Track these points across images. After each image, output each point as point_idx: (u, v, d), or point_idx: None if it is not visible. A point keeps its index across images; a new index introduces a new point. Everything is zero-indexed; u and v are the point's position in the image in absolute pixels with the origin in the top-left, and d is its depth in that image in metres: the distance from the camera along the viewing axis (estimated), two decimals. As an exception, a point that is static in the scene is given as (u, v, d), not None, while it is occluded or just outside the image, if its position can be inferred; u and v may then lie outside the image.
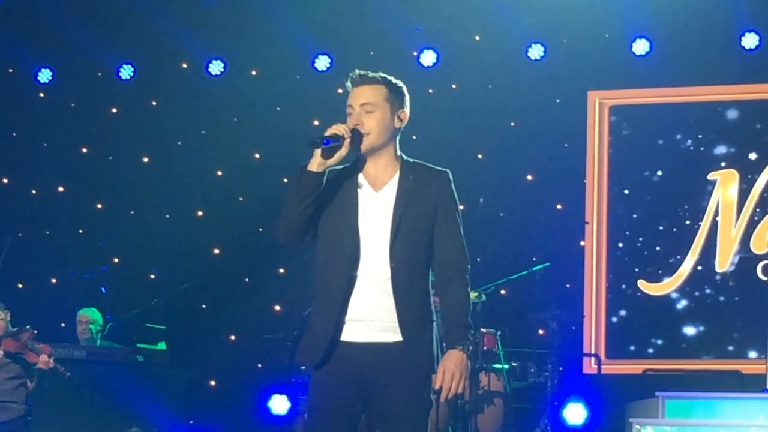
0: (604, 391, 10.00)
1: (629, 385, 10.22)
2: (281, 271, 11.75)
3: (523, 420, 9.71)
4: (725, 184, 10.98)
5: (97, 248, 12.16)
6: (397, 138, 4.74)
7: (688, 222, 11.06)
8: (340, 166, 4.67)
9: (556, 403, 9.60)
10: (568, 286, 11.06)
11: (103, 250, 12.17)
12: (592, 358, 10.68)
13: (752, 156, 11.01)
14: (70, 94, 12.36)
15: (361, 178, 4.69)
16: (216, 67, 12.01)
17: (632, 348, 11.05)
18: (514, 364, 9.52)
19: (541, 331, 10.45)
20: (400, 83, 4.74)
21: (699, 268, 10.96)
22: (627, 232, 11.22)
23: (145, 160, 12.28)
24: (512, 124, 11.44)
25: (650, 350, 11.02)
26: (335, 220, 4.64)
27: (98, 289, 11.91)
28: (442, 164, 4.78)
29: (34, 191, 12.41)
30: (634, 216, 11.23)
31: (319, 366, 4.60)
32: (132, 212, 12.20)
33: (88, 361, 9.67)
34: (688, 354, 10.91)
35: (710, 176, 11.04)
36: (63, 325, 11.09)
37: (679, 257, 11.01)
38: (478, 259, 9.12)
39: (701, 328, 10.95)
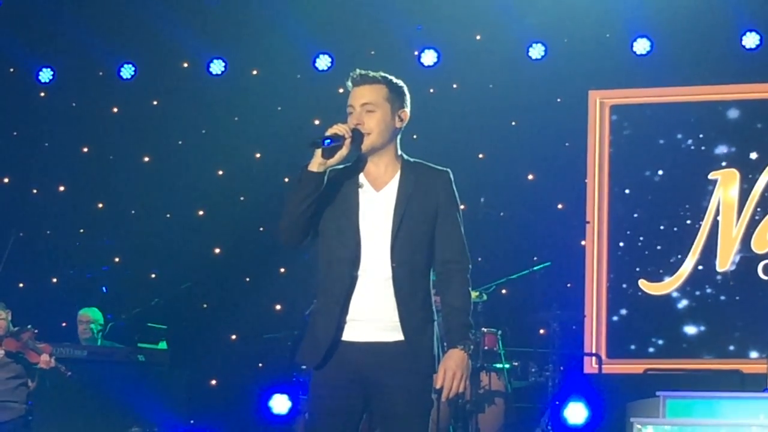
0: (605, 391, 10.00)
1: (630, 384, 10.22)
2: (282, 270, 11.75)
3: (524, 419, 9.71)
4: (726, 184, 10.98)
5: (98, 248, 12.16)
6: (398, 138, 4.75)
7: (688, 221, 11.06)
8: (341, 166, 4.67)
9: (557, 403, 9.59)
10: (568, 285, 11.06)
11: (104, 249, 12.17)
12: (593, 358, 10.68)
13: (753, 155, 11.01)
14: (71, 94, 12.36)
15: (361, 177, 4.70)
16: (217, 67, 12.01)
17: (633, 347, 11.05)
18: (515, 364, 9.51)
19: (542, 331, 10.46)
20: (400, 83, 4.75)
21: (700, 267, 10.96)
22: (628, 232, 11.22)
23: (146, 159, 12.28)
24: (513, 123, 11.44)
25: (651, 350, 11.01)
26: (336, 219, 4.65)
27: (99, 289, 11.91)
28: (443, 164, 4.78)
29: (35, 191, 12.42)
30: (635, 215, 11.23)
31: (320, 366, 4.60)
32: (133, 212, 12.19)
33: (89, 360, 9.66)
34: (689, 354, 10.91)
35: (711, 176, 11.04)
36: (64, 324, 11.09)
37: (680, 257, 11.01)
38: (479, 259, 9.13)
39: (702, 328, 10.94)
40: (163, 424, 9.64)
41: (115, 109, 12.36)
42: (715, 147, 11.10)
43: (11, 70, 12.36)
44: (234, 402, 11.14)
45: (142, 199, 12.09)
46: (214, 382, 11.79)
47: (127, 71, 12.18)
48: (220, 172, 12.07)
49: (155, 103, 12.27)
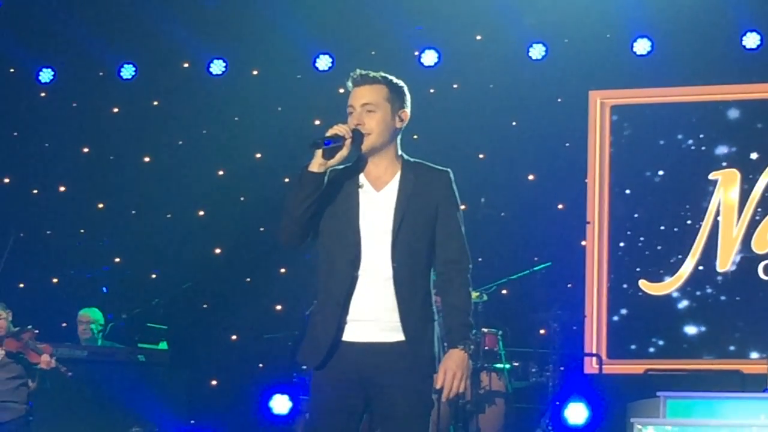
0: (605, 391, 10.00)
1: (630, 384, 10.22)
2: (282, 270, 11.75)
3: (525, 420, 9.71)
4: (726, 184, 10.98)
5: (98, 248, 12.17)
6: (398, 138, 4.74)
7: (689, 222, 11.06)
8: (341, 166, 4.67)
9: (557, 403, 9.60)
10: (569, 285, 11.06)
11: (105, 249, 12.18)
12: (594, 358, 10.69)
13: (753, 156, 11.01)
14: (72, 94, 12.36)
15: (362, 178, 4.69)
16: (217, 67, 12.01)
17: (633, 348, 11.05)
18: (516, 364, 9.52)
19: (542, 331, 10.46)
20: (401, 83, 4.75)
21: (700, 267, 10.96)
22: (628, 232, 11.22)
23: (147, 159, 12.28)
24: (513, 123, 11.44)
25: (651, 350, 11.01)
26: (336, 220, 4.64)
27: (99, 289, 11.91)
28: (444, 164, 4.78)
29: (35, 191, 12.42)
30: (636, 216, 11.23)
31: (321, 366, 4.60)
32: (133, 212, 12.19)
33: (90, 360, 9.66)
34: (689, 354, 10.91)
35: (711, 176, 11.04)
36: (64, 324, 11.09)
37: (680, 257, 11.01)
38: (480, 259, 9.12)
39: (702, 328, 10.94)
40: (164, 425, 9.65)
41: (116, 110, 12.36)
42: (715, 147, 11.10)
43: (11, 70, 12.36)
44: (234, 402, 11.14)
45: (143, 199, 12.09)
46: (214, 382, 11.79)
47: (127, 71, 12.18)
48: (221, 173, 12.07)
49: (155, 103, 12.27)
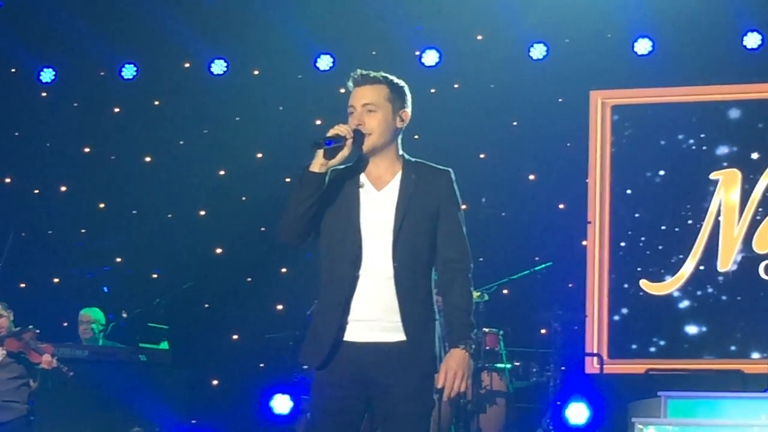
0: (606, 391, 10.00)
1: (631, 384, 10.23)
2: (284, 270, 11.75)
3: (526, 420, 9.71)
4: (727, 184, 10.98)
5: (99, 248, 12.17)
6: (399, 138, 4.74)
7: (690, 222, 11.05)
8: (342, 166, 4.67)
9: (558, 403, 9.60)
10: (570, 285, 11.06)
11: (106, 249, 12.18)
12: (595, 358, 10.68)
13: (754, 156, 11.00)
14: (73, 94, 12.36)
15: (363, 177, 4.69)
16: (218, 67, 12.01)
17: (634, 347, 11.05)
18: (517, 364, 9.52)
19: (543, 331, 10.46)
20: (401, 83, 4.75)
21: (701, 267, 10.95)
22: (629, 232, 11.22)
23: (148, 159, 12.28)
24: (514, 123, 11.44)
25: (652, 350, 11.01)
26: (337, 220, 4.65)
27: (100, 289, 11.91)
28: (445, 164, 4.78)
29: (36, 191, 12.42)
30: (637, 215, 11.23)
31: (322, 366, 4.60)
32: (134, 212, 12.20)
33: (91, 360, 9.67)
34: (690, 354, 10.91)
35: (712, 176, 11.04)
36: (65, 324, 11.09)
37: (681, 257, 11.01)
38: (481, 259, 9.13)
39: (703, 328, 10.94)
40: (165, 424, 9.65)
41: (117, 109, 12.36)
42: (716, 147, 11.10)
43: (13, 70, 12.36)
44: (235, 402, 11.15)
45: (144, 199, 12.09)
46: (215, 382, 11.80)
47: (128, 71, 12.18)
48: (222, 172, 12.08)
49: (157, 103, 12.27)
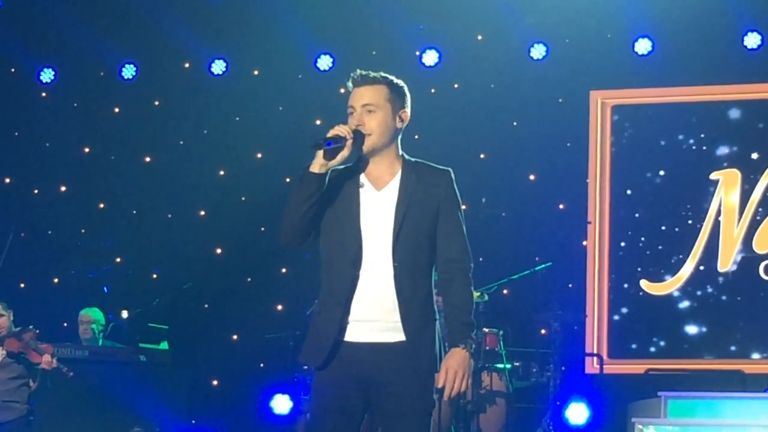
0: (606, 391, 10.01)
1: (631, 384, 10.22)
2: (283, 270, 11.76)
3: (526, 420, 9.72)
4: (727, 184, 10.98)
5: (99, 248, 12.17)
6: (399, 138, 4.74)
7: (690, 222, 11.05)
8: (342, 166, 4.67)
9: (558, 403, 9.60)
10: (570, 285, 11.05)
11: (105, 249, 12.18)
12: (595, 358, 10.68)
13: (754, 156, 11.00)
14: (73, 94, 12.36)
15: (362, 177, 4.69)
16: (218, 67, 12.01)
17: (634, 348, 11.04)
18: (517, 364, 9.52)
19: (543, 331, 10.46)
20: (401, 83, 4.74)
21: (701, 267, 10.95)
22: (629, 232, 11.22)
23: (147, 159, 12.28)
24: (514, 123, 11.44)
25: (652, 350, 11.01)
26: (337, 220, 4.64)
27: (100, 289, 11.91)
28: (445, 164, 4.78)
29: (36, 191, 12.42)
30: (637, 216, 11.23)
31: (323, 366, 4.60)
32: (134, 212, 12.20)
33: (91, 360, 9.67)
34: (690, 354, 10.91)
35: (712, 176, 11.04)
36: (65, 324, 11.09)
37: (681, 257, 11.01)
38: (481, 259, 9.13)
39: (703, 328, 10.94)
40: (165, 424, 9.65)
41: (117, 110, 12.36)
42: (716, 147, 11.10)
43: (12, 70, 12.36)
44: (235, 402, 11.15)
45: (144, 199, 12.10)
46: (215, 382, 11.80)
47: (128, 71, 12.18)
48: (222, 172, 12.08)
49: (156, 103, 12.27)
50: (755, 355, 10.73)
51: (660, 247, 11.11)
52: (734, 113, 11.10)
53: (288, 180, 10.84)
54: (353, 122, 4.64)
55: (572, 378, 10.26)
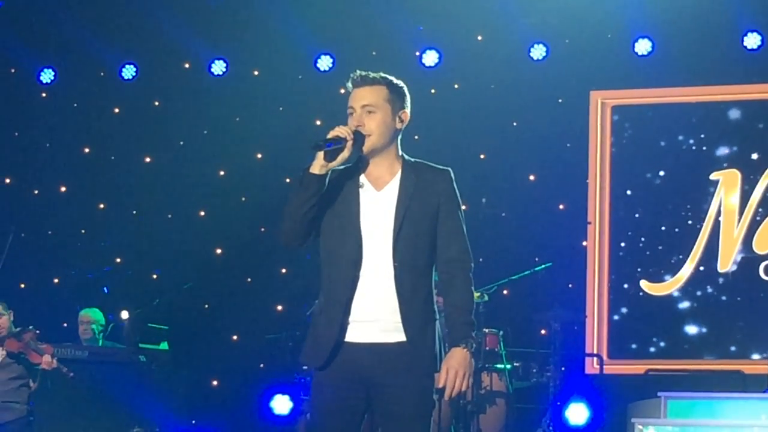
0: (606, 391, 10.01)
1: (631, 385, 10.23)
2: (283, 271, 11.76)
3: (526, 420, 9.71)
4: (727, 185, 10.98)
5: (99, 248, 12.16)
6: (399, 138, 4.75)
7: (690, 222, 11.05)
8: (342, 167, 4.67)
9: (558, 403, 9.60)
10: (570, 286, 11.05)
11: (105, 250, 12.17)
12: (594, 358, 10.69)
13: (754, 156, 11.00)
14: (72, 94, 12.36)
15: (362, 178, 4.70)
16: (218, 67, 12.00)
17: (634, 348, 11.04)
18: (517, 364, 9.52)
19: (543, 331, 10.46)
20: (401, 83, 4.74)
21: (701, 268, 10.95)
22: (629, 232, 11.22)
23: (147, 160, 12.28)
24: (514, 124, 11.44)
25: (652, 350, 11.01)
26: (337, 220, 4.65)
27: (100, 289, 11.91)
28: (445, 164, 4.78)
29: (36, 191, 12.41)
30: (636, 216, 11.23)
31: (323, 367, 4.60)
32: (134, 212, 12.20)
33: (91, 361, 9.66)
34: (690, 354, 10.91)
35: (712, 176, 11.04)
36: (65, 325, 11.09)
37: (681, 257, 11.01)
38: (481, 259, 9.09)
39: (703, 329, 10.94)
40: (165, 425, 9.65)
41: (117, 110, 12.36)
42: (716, 148, 11.10)
43: (12, 70, 12.36)
44: (235, 402, 11.14)
45: (144, 199, 12.09)
46: (215, 382, 11.79)
47: (128, 71, 12.17)
48: (222, 173, 12.07)
49: (156, 103, 12.27)
50: (755, 356, 10.72)
51: (660, 248, 11.11)
52: (734, 114, 11.10)
53: (288, 180, 10.85)
54: (353, 123, 4.64)
55: (572, 378, 10.26)
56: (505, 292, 10.42)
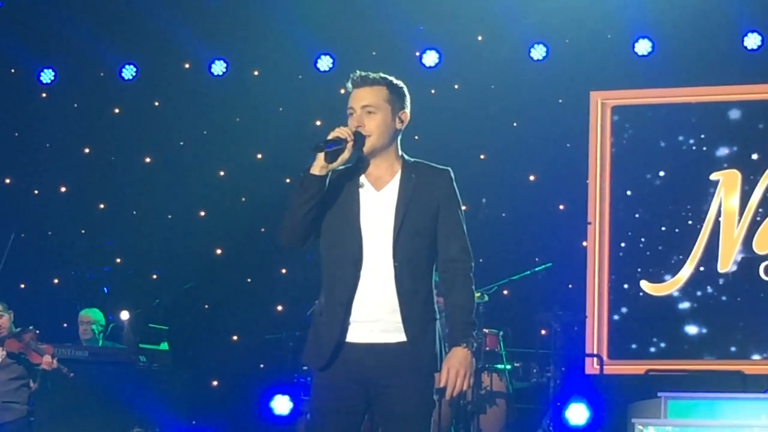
0: (606, 392, 10.01)
1: (631, 385, 10.23)
2: (283, 271, 11.76)
3: (526, 420, 9.71)
4: (728, 185, 10.98)
5: (99, 248, 12.17)
6: (399, 138, 4.74)
7: (690, 222, 11.05)
8: (342, 167, 4.67)
9: (558, 404, 9.60)
10: (570, 286, 11.06)
11: (106, 250, 12.18)
12: (595, 359, 10.68)
13: (754, 156, 11.00)
14: (73, 95, 12.37)
15: (362, 178, 4.70)
16: (218, 68, 12.01)
17: (634, 348, 11.04)
18: (517, 365, 9.52)
19: (543, 332, 10.45)
20: (400, 84, 4.74)
21: (701, 268, 10.95)
22: (629, 233, 11.22)
23: (148, 160, 12.28)
24: (514, 124, 11.44)
25: (652, 350, 11.01)
26: (337, 220, 4.64)
27: (100, 289, 11.91)
28: (445, 164, 4.78)
29: (36, 191, 12.42)
30: (636, 216, 11.23)
31: (325, 368, 4.60)
32: (134, 212, 12.20)
33: (91, 361, 9.67)
34: (690, 354, 10.90)
35: (713, 177, 11.04)
36: (65, 325, 11.09)
37: (681, 257, 11.01)
38: (481, 260, 9.06)
39: (703, 329, 10.94)
40: (165, 425, 9.65)
41: (117, 110, 12.36)
42: (716, 148, 11.10)
43: (12, 70, 12.36)
44: (235, 403, 11.14)
45: (144, 199, 12.10)
46: (215, 382, 11.79)
47: (128, 72, 12.18)
48: (222, 173, 12.08)
49: (156, 103, 12.27)
50: (755, 356, 10.72)
51: (660, 248, 11.11)
52: (734, 114, 11.10)
53: (288, 180, 10.86)
54: (353, 123, 4.64)
55: (572, 378, 10.25)
56: (505, 292, 10.42)
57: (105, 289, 11.93)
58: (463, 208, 4.75)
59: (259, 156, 11.96)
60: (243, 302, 11.70)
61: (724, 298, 10.92)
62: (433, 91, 11.40)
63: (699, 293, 10.96)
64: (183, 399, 10.29)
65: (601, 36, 11.18)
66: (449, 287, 4.66)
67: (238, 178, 11.88)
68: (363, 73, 4.70)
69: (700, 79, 11.10)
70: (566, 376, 10.03)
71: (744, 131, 11.06)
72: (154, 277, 12.09)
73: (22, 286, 11.85)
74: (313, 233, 4.67)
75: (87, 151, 12.39)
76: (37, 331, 8.97)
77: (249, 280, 11.95)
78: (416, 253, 4.61)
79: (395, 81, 4.73)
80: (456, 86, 11.61)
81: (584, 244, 11.22)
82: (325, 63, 11.76)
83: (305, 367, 9.13)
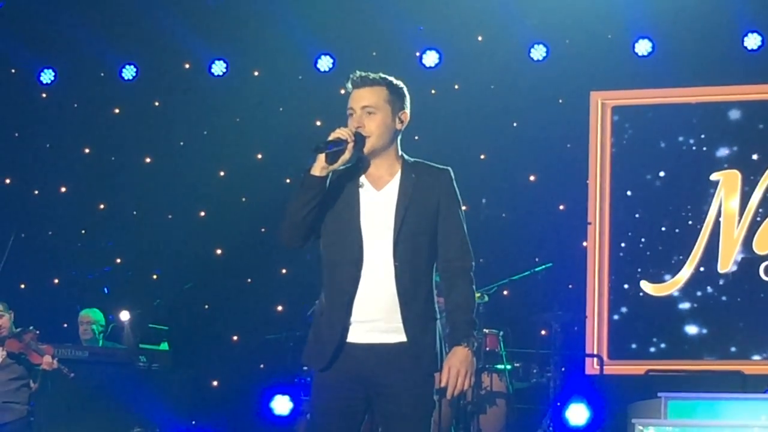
0: (606, 392, 10.01)
1: (631, 385, 10.23)
2: (284, 271, 11.76)
3: (526, 421, 9.71)
4: (728, 185, 10.98)
5: (99, 248, 12.17)
6: (399, 138, 4.74)
7: (690, 222, 11.05)
8: (342, 167, 4.67)
9: (558, 404, 9.60)
10: (570, 286, 11.06)
11: (106, 250, 12.18)
12: (595, 359, 10.69)
13: (755, 156, 11.01)
14: (73, 95, 12.37)
15: (362, 178, 4.69)
16: (218, 68, 12.01)
17: (634, 348, 11.05)
18: (517, 365, 9.52)
19: (543, 332, 10.45)
20: (400, 84, 4.74)
21: (701, 268, 10.95)
22: (629, 233, 11.22)
23: (148, 160, 12.29)
24: (515, 124, 11.44)
25: (652, 351, 11.01)
26: (338, 220, 4.64)
27: (100, 290, 11.91)
28: (445, 164, 4.78)
29: (36, 191, 12.42)
30: (637, 216, 11.23)
31: (326, 368, 4.59)
32: (134, 212, 12.20)
33: (91, 361, 9.67)
34: (690, 355, 10.91)
35: (713, 177, 11.04)
36: (65, 325, 11.09)
37: (681, 258, 11.01)
38: (481, 260, 9.04)
39: (703, 329, 10.94)
40: (165, 425, 9.66)
41: (117, 110, 12.37)
42: (716, 148, 11.10)
43: (13, 71, 12.37)
44: (235, 403, 11.14)
45: (144, 199, 12.10)
46: (215, 383, 11.79)
47: (128, 72, 12.18)
48: (222, 173, 12.08)
49: (157, 104, 12.28)
50: (755, 356, 10.73)
51: (660, 248, 11.11)
52: (734, 114, 11.11)
53: (288, 181, 10.86)
54: (353, 124, 4.64)
55: (572, 379, 10.26)
56: (505, 292, 10.42)
57: (105, 289, 11.93)
58: (463, 208, 4.75)
59: (259, 156, 11.96)
60: (243, 302, 11.70)
61: (724, 298, 10.92)
62: (433, 91, 11.40)
63: (699, 293, 10.96)
64: (183, 399, 10.29)
65: (601, 36, 11.18)
66: (449, 287, 4.66)
67: (238, 178, 11.88)
68: (363, 74, 4.70)
69: (700, 79, 11.10)
70: (566, 376, 10.04)
71: (744, 131, 11.06)
72: (154, 277, 12.09)
73: (22, 286, 11.85)
74: (313, 233, 4.67)
75: (87, 151, 12.39)
76: (38, 332, 8.96)
77: (249, 280, 11.95)
78: (416, 253, 4.61)
79: (395, 81, 4.73)
80: (456, 86, 11.62)
81: (584, 244, 11.22)
82: (325, 63, 11.76)
83: (305, 368, 9.13)
